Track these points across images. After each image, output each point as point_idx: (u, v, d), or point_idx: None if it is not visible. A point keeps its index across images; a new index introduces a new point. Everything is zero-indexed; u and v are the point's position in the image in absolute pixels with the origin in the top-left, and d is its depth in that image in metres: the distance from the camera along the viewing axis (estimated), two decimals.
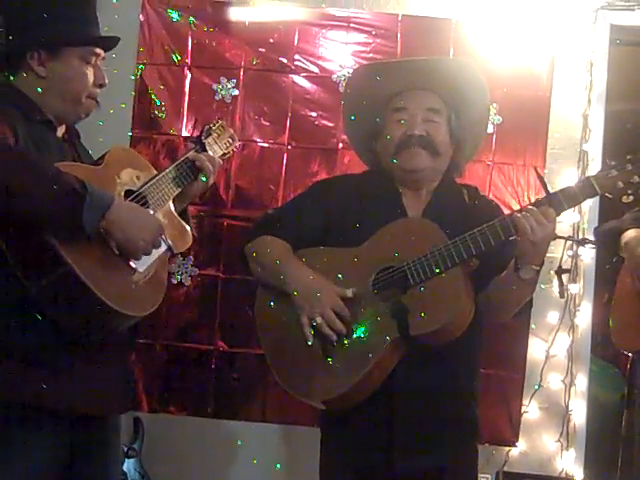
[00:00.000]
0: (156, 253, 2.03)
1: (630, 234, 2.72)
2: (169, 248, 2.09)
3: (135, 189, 2.09)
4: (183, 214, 2.28)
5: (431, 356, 2.09)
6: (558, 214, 1.99)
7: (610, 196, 2.01)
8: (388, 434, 2.13)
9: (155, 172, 2.20)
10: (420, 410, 2.13)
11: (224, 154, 2.47)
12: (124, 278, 1.96)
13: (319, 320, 2.05)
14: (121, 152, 2.19)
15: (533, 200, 2.13)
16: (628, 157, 1.98)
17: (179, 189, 2.22)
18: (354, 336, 2.06)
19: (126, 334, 2.10)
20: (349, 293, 2.10)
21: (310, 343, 2.06)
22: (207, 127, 2.41)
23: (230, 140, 2.50)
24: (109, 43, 2.18)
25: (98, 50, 2.11)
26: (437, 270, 2.02)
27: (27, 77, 2.03)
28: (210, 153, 2.34)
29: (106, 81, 2.14)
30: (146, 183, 2.12)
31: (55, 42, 2.03)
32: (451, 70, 2.29)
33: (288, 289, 2.12)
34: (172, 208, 2.21)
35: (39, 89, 2.03)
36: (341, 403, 2.08)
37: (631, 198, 1.98)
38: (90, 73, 2.08)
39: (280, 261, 2.18)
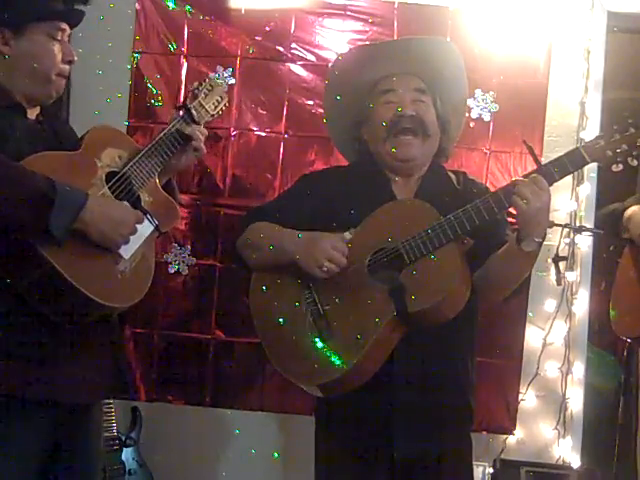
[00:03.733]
0: (141, 237, 1.98)
1: (633, 209, 2.73)
2: (156, 228, 2.04)
3: (118, 170, 2.02)
4: (167, 185, 2.20)
5: (427, 343, 2.09)
6: (550, 184, 1.98)
7: (600, 165, 2.03)
8: (383, 421, 2.13)
9: (138, 148, 2.12)
10: (413, 397, 2.12)
11: (212, 116, 2.30)
12: (109, 268, 1.92)
13: (327, 264, 2.04)
14: (101, 132, 2.09)
15: None
16: (615, 127, 1.99)
17: (163, 164, 2.12)
18: (352, 317, 2.05)
19: (113, 320, 2.07)
20: (347, 235, 2.09)
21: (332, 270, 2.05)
22: (192, 89, 2.27)
23: (219, 98, 2.33)
24: (74, 17, 2.09)
25: (63, 25, 2.04)
26: (431, 247, 2.02)
27: None
28: (196, 118, 2.20)
29: (75, 57, 2.08)
30: (128, 162, 2.05)
31: (19, 18, 1.96)
32: (429, 51, 2.30)
33: (290, 256, 2.10)
34: (157, 183, 2.13)
35: (5, 70, 1.97)
36: (339, 387, 2.06)
37: (620, 167, 1.98)
38: (57, 49, 2.02)
39: (276, 235, 2.17)
